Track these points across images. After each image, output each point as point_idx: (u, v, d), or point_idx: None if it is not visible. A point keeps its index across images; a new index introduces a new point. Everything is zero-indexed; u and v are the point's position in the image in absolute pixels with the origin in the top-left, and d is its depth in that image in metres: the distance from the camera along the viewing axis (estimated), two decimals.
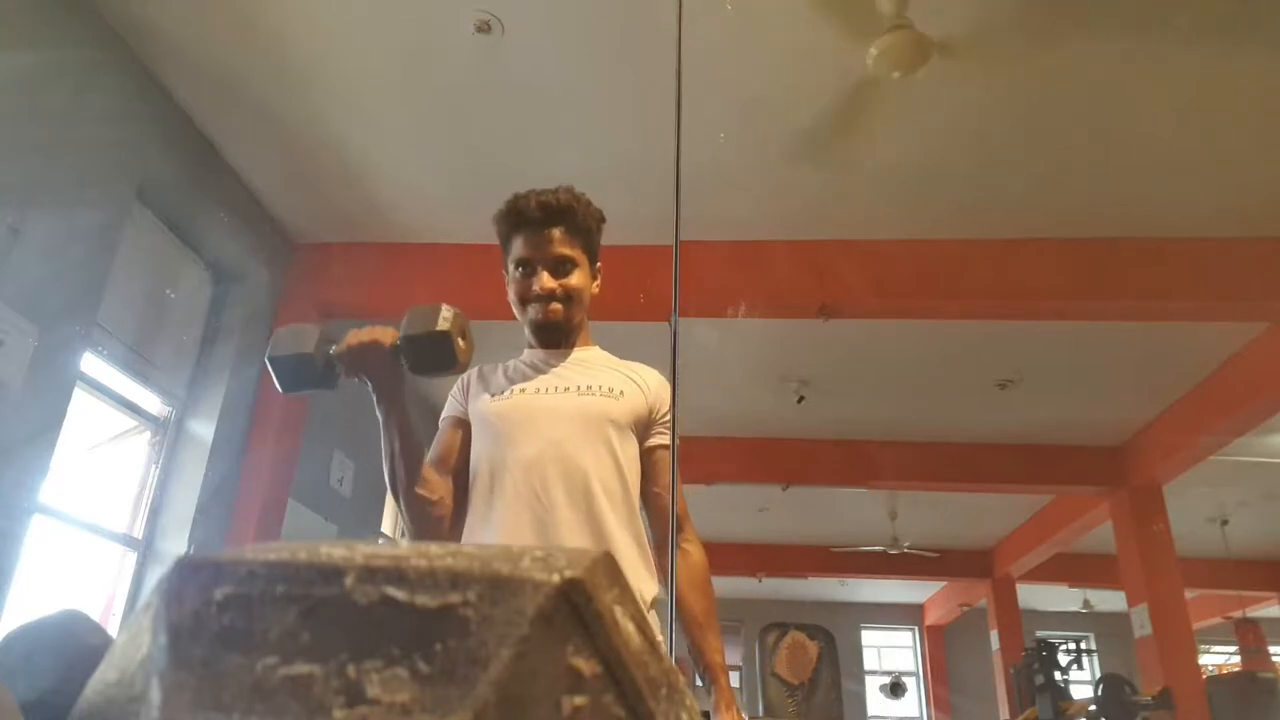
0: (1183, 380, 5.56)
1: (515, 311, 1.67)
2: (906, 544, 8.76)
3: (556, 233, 1.59)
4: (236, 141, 3.79)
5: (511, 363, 1.71)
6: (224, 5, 3.08)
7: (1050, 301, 4.36)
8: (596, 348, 1.72)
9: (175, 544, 3.66)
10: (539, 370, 1.64)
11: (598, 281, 1.69)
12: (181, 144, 3.61)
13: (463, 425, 1.66)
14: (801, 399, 5.89)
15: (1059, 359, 5.37)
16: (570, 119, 3.57)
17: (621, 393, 1.59)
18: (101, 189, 3.17)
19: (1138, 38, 3.05)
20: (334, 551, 0.44)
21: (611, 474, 1.52)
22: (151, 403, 3.78)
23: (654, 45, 3.06)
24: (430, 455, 1.63)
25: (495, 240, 1.67)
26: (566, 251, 1.60)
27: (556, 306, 1.61)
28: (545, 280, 1.59)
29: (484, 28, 3.06)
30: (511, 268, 1.63)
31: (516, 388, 1.61)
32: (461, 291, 4.50)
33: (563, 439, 1.52)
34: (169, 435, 3.83)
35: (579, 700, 0.41)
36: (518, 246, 1.61)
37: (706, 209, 3.99)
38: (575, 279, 1.62)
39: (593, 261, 1.67)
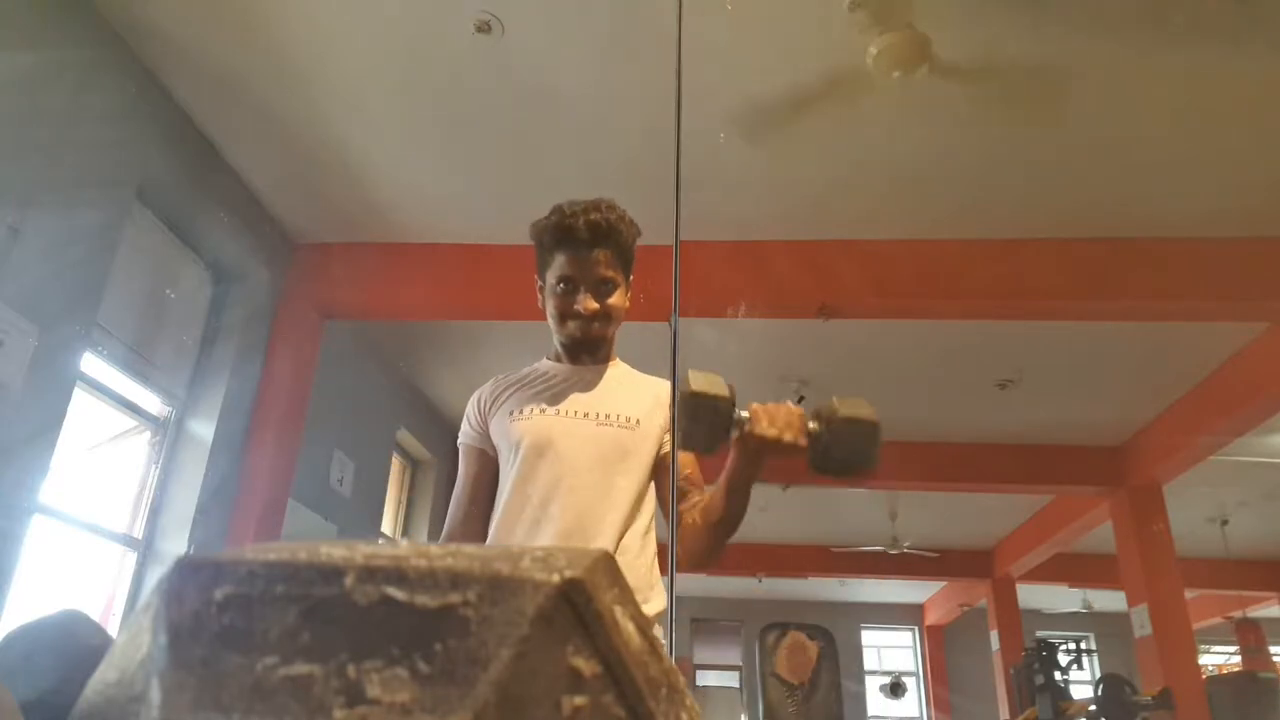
0: (1183, 380, 5.56)
1: (550, 323, 1.67)
2: (906, 544, 8.76)
3: (602, 254, 1.59)
4: (236, 141, 3.79)
5: (530, 373, 1.71)
6: (224, 5, 3.08)
7: (1050, 301, 4.36)
8: (619, 363, 1.73)
9: (175, 544, 3.66)
10: (560, 387, 1.65)
11: (629, 294, 1.70)
12: (181, 144, 3.61)
13: (483, 457, 1.67)
14: (801, 399, 5.89)
15: (1059, 359, 5.37)
16: (570, 119, 3.57)
17: (638, 422, 1.60)
18: (101, 189, 3.17)
19: (1137, 38, 3.05)
20: (334, 551, 0.44)
21: (624, 506, 1.54)
22: (151, 403, 3.78)
23: (654, 45, 3.06)
24: (459, 491, 1.66)
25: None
26: (610, 273, 1.61)
27: (597, 327, 1.63)
28: (589, 302, 1.60)
29: (484, 28, 3.06)
30: (551, 281, 1.64)
31: (536, 407, 1.61)
32: (461, 291, 4.51)
33: (576, 469, 1.54)
34: (169, 435, 3.83)
35: (579, 700, 0.41)
36: (560, 264, 1.61)
37: (706, 209, 3.99)
38: (616, 299, 1.63)
39: (629, 279, 1.68)
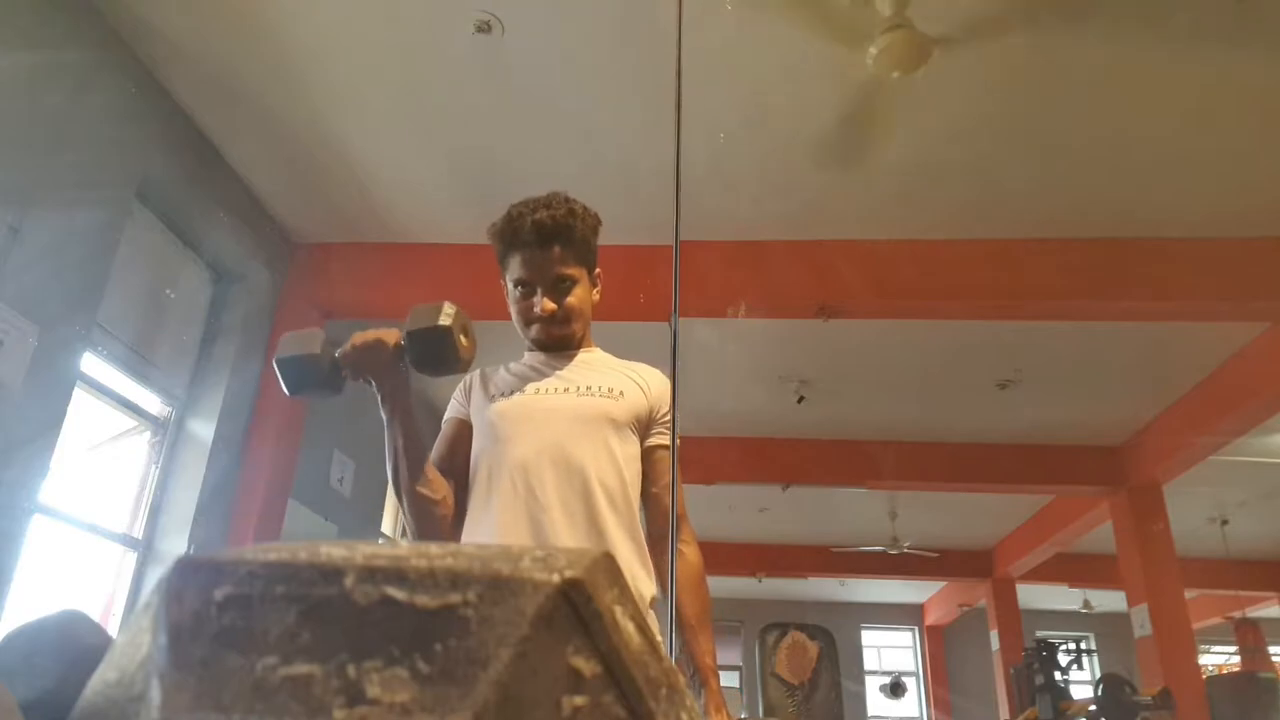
0: (1183, 380, 5.56)
1: (517, 327, 1.66)
2: (906, 544, 8.76)
3: (554, 252, 1.55)
4: (236, 141, 3.79)
5: (514, 364, 1.71)
6: (224, 5, 3.08)
7: (1050, 301, 4.36)
8: (598, 350, 1.72)
9: (175, 544, 3.66)
10: (541, 372, 1.64)
11: (598, 289, 1.67)
12: (181, 144, 3.61)
13: (464, 426, 1.66)
14: (801, 399, 5.89)
15: (1059, 359, 5.37)
16: (570, 119, 3.57)
17: (622, 393, 1.58)
18: (101, 189, 3.17)
19: (1138, 38, 3.05)
20: (334, 551, 0.44)
21: (609, 473, 1.51)
22: (151, 403, 3.78)
23: (654, 45, 3.06)
24: (433, 456, 1.63)
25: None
26: (565, 270, 1.57)
27: (557, 329, 1.61)
28: (546, 304, 1.57)
29: (484, 28, 3.06)
30: (510, 286, 1.62)
31: (517, 387, 1.61)
32: (461, 291, 4.50)
33: (560, 438, 1.51)
34: (169, 435, 3.83)
35: (579, 700, 0.41)
36: (515, 266, 1.58)
37: (706, 209, 3.99)
38: (575, 296, 1.60)
39: (592, 270, 1.65)
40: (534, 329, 1.61)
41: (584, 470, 1.49)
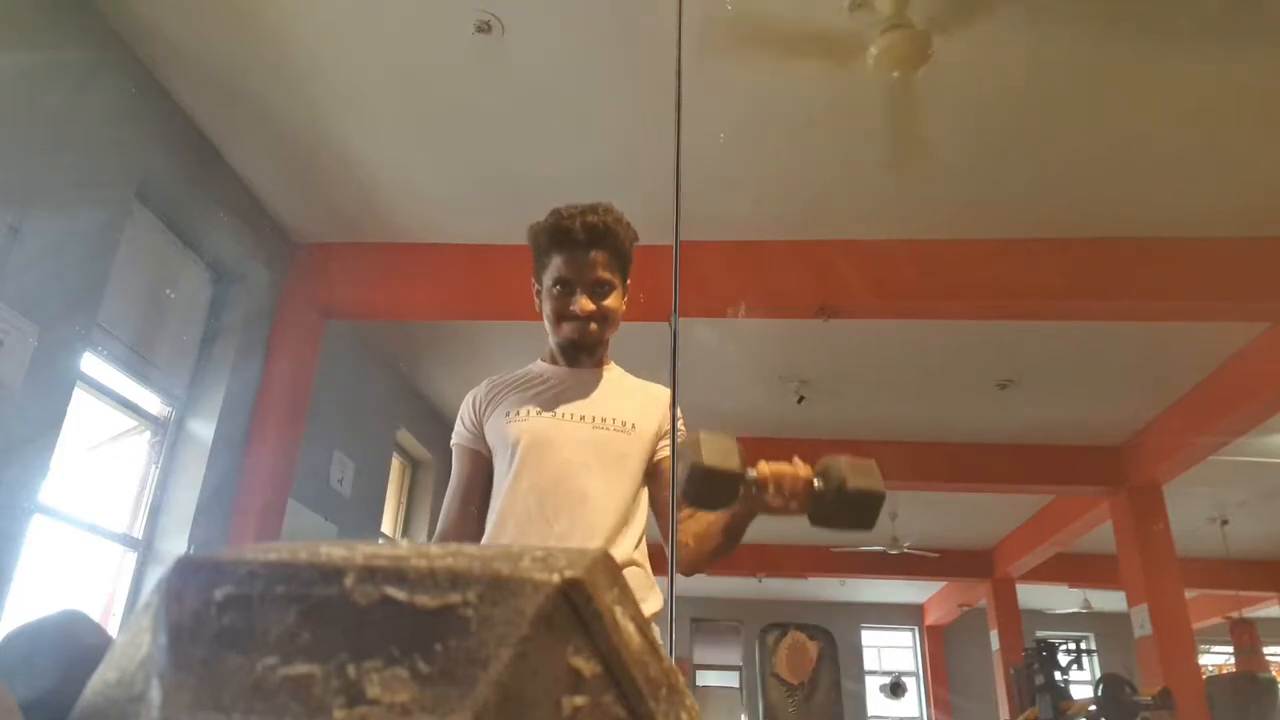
0: (1183, 380, 5.56)
1: (546, 325, 1.69)
2: (906, 544, 8.76)
3: (598, 256, 1.61)
4: (236, 141, 3.79)
5: (525, 375, 1.72)
6: (224, 5, 3.08)
7: (1050, 301, 4.36)
8: (614, 367, 1.75)
9: (175, 544, 3.66)
10: (557, 389, 1.66)
11: (626, 298, 1.72)
12: (181, 144, 3.60)
13: (477, 458, 1.68)
14: (801, 399, 5.89)
15: (1059, 359, 5.37)
16: (570, 119, 3.57)
17: (634, 426, 1.62)
18: (101, 189, 3.17)
19: (1138, 37, 3.05)
20: (334, 551, 0.44)
21: (620, 509, 1.56)
22: (151, 403, 3.78)
23: (654, 45, 3.06)
24: (452, 497, 1.67)
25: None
26: (606, 275, 1.63)
27: (593, 329, 1.64)
28: (585, 303, 1.62)
29: (484, 28, 3.06)
30: (548, 283, 1.65)
31: (533, 409, 1.63)
32: (461, 291, 4.51)
33: (574, 474, 1.55)
34: (169, 435, 3.83)
35: (579, 700, 0.41)
36: (558, 265, 1.63)
37: (706, 209, 3.99)
38: (612, 301, 1.65)
39: (625, 281, 1.70)
40: (568, 326, 1.64)
41: (595, 507, 1.54)
